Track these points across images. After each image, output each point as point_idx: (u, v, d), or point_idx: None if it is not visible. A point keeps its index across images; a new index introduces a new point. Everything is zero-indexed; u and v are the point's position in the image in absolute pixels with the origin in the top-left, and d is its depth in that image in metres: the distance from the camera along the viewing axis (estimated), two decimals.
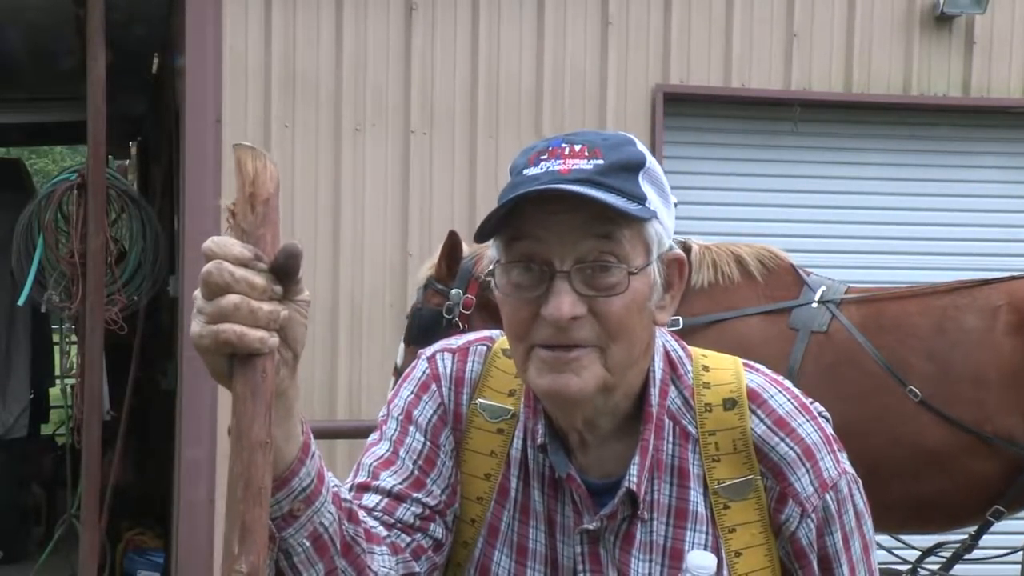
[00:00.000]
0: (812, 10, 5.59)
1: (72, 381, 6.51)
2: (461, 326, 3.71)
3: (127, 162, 11.31)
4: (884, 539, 3.93)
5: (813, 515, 1.32)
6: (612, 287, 1.24)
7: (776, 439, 1.32)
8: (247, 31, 5.09)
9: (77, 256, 5.38)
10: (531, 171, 1.26)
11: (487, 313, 3.72)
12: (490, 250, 1.33)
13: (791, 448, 1.32)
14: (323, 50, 5.17)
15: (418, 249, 5.18)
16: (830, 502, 1.32)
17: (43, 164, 21.45)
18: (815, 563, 1.33)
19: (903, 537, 4.03)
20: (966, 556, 3.92)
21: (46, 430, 8.74)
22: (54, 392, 8.86)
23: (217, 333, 1.04)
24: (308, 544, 1.18)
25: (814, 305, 3.73)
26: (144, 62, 7.08)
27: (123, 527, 6.38)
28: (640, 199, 1.25)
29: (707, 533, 1.32)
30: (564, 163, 1.25)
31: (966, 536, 3.89)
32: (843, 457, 1.36)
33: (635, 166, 1.27)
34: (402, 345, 3.90)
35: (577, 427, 1.32)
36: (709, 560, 1.28)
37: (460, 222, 5.09)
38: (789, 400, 1.35)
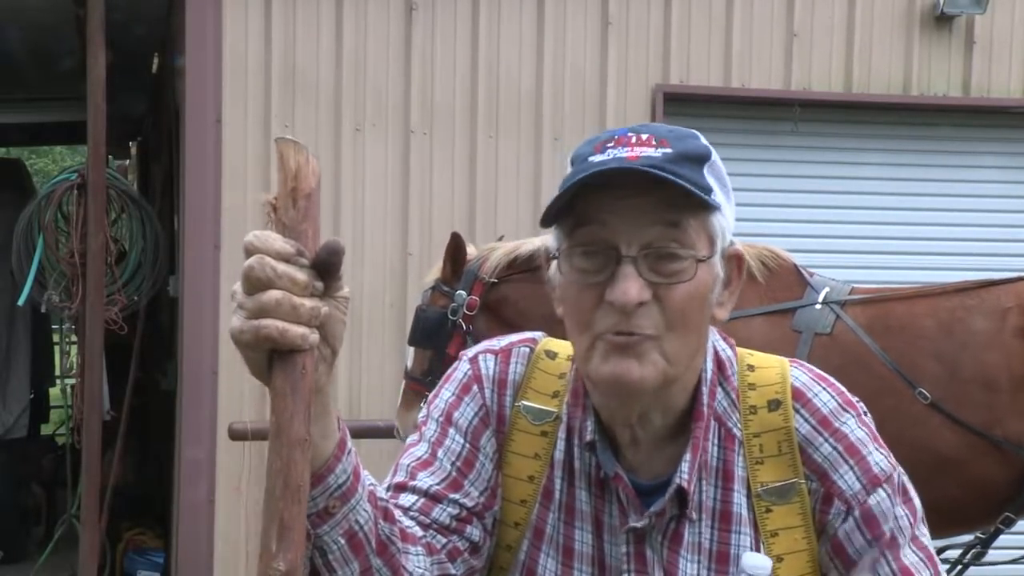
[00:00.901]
0: (812, 10, 5.59)
1: (72, 381, 6.51)
2: (464, 327, 3.71)
3: (127, 162, 11.31)
4: None
5: (858, 510, 1.29)
6: (679, 274, 1.23)
7: (820, 439, 1.30)
8: (247, 31, 5.09)
9: (77, 256, 5.38)
10: (598, 158, 1.24)
11: (491, 315, 3.72)
12: (549, 239, 1.31)
13: (834, 447, 1.30)
14: (323, 50, 5.17)
15: (418, 249, 5.18)
16: (883, 496, 1.29)
17: (43, 164, 21.43)
18: (859, 560, 1.29)
19: None
20: (979, 562, 3.88)
21: (46, 430, 8.74)
22: (54, 392, 8.86)
23: (258, 329, 1.03)
24: (343, 542, 1.17)
25: (818, 306, 3.68)
26: (144, 62, 7.07)
27: (123, 527, 6.37)
28: (706, 190, 1.24)
29: (750, 536, 1.30)
30: (632, 150, 1.23)
31: (972, 538, 3.85)
32: (888, 453, 1.33)
33: (701, 158, 1.26)
34: (411, 348, 3.90)
35: (631, 422, 1.30)
36: (765, 561, 1.27)
37: (460, 222, 5.09)
38: (834, 397, 1.33)
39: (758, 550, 1.30)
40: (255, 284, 1.03)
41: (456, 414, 1.38)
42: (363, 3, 5.20)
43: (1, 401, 6.96)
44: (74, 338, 6.10)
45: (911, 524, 1.31)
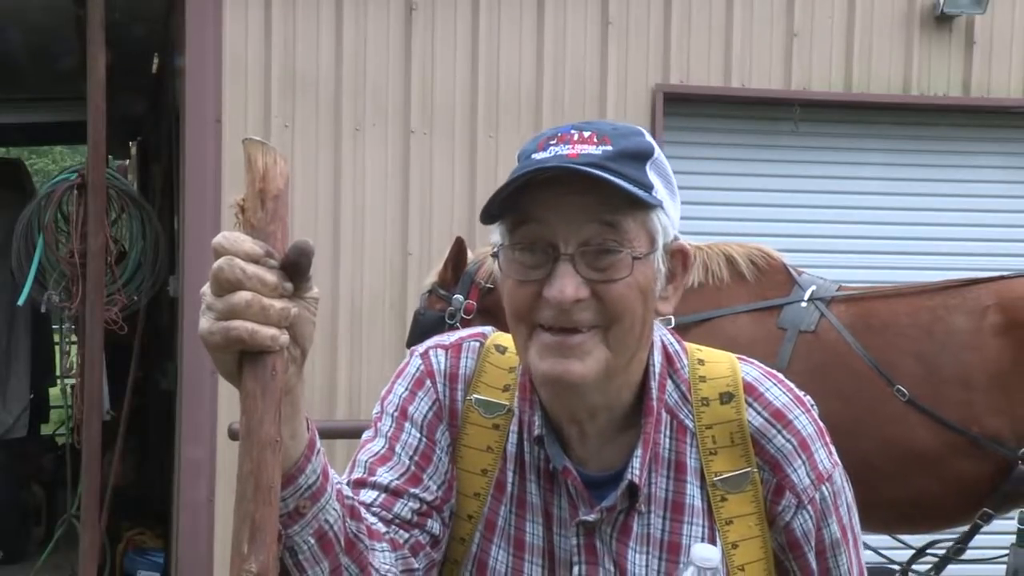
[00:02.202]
0: (812, 10, 5.59)
1: (72, 381, 6.51)
2: None
3: (127, 162, 11.31)
4: (878, 538, 3.91)
5: (809, 506, 1.33)
6: (615, 271, 1.24)
7: (773, 431, 1.33)
8: (247, 31, 5.09)
9: (77, 256, 5.38)
10: (539, 155, 1.26)
11: (488, 318, 3.73)
12: (494, 234, 1.32)
13: (788, 440, 1.33)
14: (323, 50, 5.17)
15: (418, 249, 5.18)
16: (827, 494, 1.34)
17: (43, 164, 21.45)
18: (811, 555, 1.35)
19: (897, 535, 4.01)
20: (959, 557, 3.90)
21: (46, 430, 8.74)
22: (54, 392, 8.85)
23: (228, 330, 1.03)
24: (313, 541, 1.17)
25: (803, 304, 3.72)
26: (144, 62, 7.08)
27: (123, 527, 6.38)
28: (647, 187, 1.26)
29: (704, 526, 1.33)
30: (573, 148, 1.25)
31: (959, 535, 3.87)
32: (833, 449, 1.38)
33: (643, 155, 1.28)
34: (408, 350, 3.90)
35: (578, 418, 1.32)
36: (713, 552, 1.29)
37: (460, 222, 5.09)
38: (784, 393, 1.36)
39: (712, 539, 1.32)
40: (224, 285, 1.03)
41: (411, 408, 1.39)
42: (363, 3, 5.20)
43: (1, 401, 6.96)
44: (74, 338, 6.09)
45: (850, 516, 1.38)
